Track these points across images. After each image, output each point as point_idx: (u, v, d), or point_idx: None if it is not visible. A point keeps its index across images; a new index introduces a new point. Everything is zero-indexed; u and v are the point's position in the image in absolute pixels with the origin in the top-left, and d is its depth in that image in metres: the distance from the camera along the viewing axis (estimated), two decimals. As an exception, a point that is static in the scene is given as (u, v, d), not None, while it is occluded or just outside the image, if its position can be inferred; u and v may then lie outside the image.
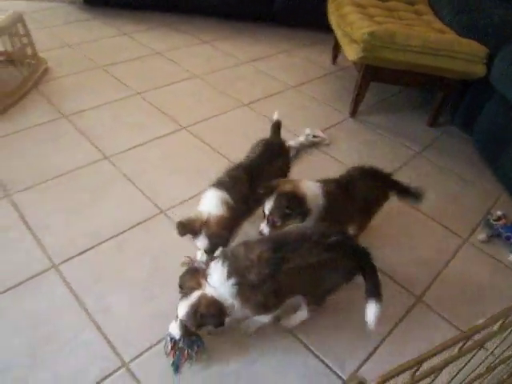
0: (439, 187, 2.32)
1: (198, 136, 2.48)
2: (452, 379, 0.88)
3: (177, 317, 1.34)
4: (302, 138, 2.43)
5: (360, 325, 1.39)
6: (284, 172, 1.92)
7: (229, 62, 3.36)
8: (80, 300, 1.58)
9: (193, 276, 1.35)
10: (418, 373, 0.69)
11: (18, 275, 1.64)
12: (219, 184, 1.66)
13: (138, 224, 1.90)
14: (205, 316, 1.29)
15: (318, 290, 1.46)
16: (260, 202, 1.67)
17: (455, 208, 2.20)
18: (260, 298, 1.31)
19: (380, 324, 1.35)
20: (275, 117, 2.02)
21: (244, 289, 1.29)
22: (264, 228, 1.59)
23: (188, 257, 1.61)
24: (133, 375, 1.38)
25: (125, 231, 1.86)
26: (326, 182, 1.67)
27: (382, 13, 2.89)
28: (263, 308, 1.38)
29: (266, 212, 1.57)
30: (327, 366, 1.47)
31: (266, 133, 2.55)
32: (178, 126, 2.55)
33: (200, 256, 1.68)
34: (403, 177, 2.30)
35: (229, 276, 1.29)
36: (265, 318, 1.46)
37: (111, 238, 1.82)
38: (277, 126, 2.02)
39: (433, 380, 0.76)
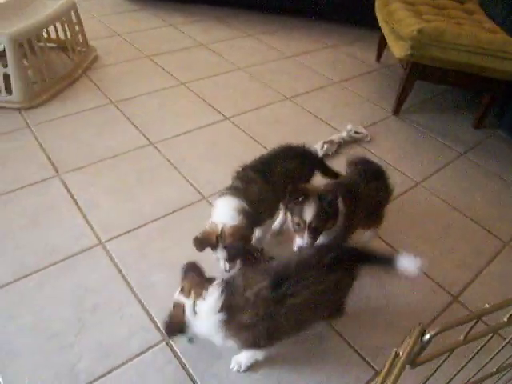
0: (482, 190, 2.30)
1: (241, 127, 2.55)
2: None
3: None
4: (343, 134, 2.46)
5: (393, 320, 1.42)
6: (303, 176, 1.79)
7: (273, 55, 3.41)
8: (124, 276, 1.67)
9: (195, 278, 1.30)
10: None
11: (68, 249, 1.75)
12: (231, 190, 1.61)
13: (181, 208, 1.98)
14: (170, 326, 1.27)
15: (331, 310, 1.45)
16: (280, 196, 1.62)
17: (497, 211, 2.18)
18: (250, 337, 1.25)
19: (412, 319, 1.38)
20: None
21: (232, 327, 1.22)
22: (305, 239, 1.44)
23: None
24: (173, 350, 1.46)
25: (168, 214, 1.95)
26: (336, 185, 1.60)
27: (431, 11, 2.88)
28: (253, 346, 1.31)
29: (307, 219, 1.43)
30: (361, 356, 1.51)
31: (307, 126, 2.61)
32: (222, 116, 2.63)
33: (223, 264, 1.61)
34: (444, 178, 2.32)
35: (220, 310, 1.21)
36: (258, 355, 1.40)
37: (155, 220, 1.92)
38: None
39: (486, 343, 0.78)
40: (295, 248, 1.46)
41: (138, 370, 1.41)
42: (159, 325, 1.52)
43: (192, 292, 1.25)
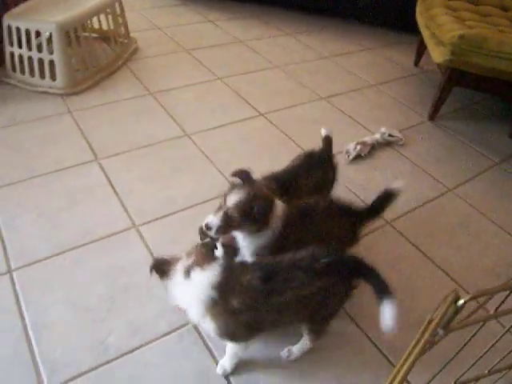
0: (516, 200, 2.29)
1: (275, 124, 2.60)
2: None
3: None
4: (377, 136, 2.48)
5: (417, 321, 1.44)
6: (324, 188, 1.75)
7: (310, 55, 3.46)
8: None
9: (203, 251, 1.29)
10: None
11: (104, 230, 1.85)
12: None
13: (213, 199, 2.05)
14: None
15: (314, 318, 1.38)
16: None
17: (531, 223, 2.17)
18: (230, 324, 1.25)
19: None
20: (324, 132, 1.82)
21: (217, 308, 1.21)
22: (214, 219, 1.33)
23: None
24: (198, 332, 1.53)
25: (199, 204, 2.02)
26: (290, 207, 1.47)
27: (474, 17, 2.87)
28: (228, 335, 1.30)
29: (229, 203, 1.33)
30: (381, 352, 1.54)
31: (341, 126, 2.64)
32: (257, 112, 2.69)
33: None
34: (477, 186, 2.31)
35: (213, 287, 1.20)
36: (238, 350, 1.38)
37: (187, 208, 1.99)
38: (327, 141, 1.83)
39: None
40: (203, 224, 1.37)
41: (164, 349, 1.48)
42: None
43: (194, 257, 1.25)
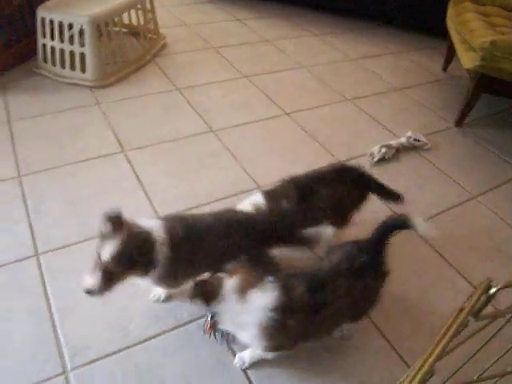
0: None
1: (300, 124, 2.64)
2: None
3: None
4: (403, 139, 2.49)
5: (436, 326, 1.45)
6: (346, 207, 1.71)
7: (336, 56, 3.48)
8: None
9: (247, 267, 1.24)
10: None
11: (128, 220, 1.91)
12: (266, 192, 1.63)
13: (234, 195, 2.09)
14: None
15: (356, 315, 1.43)
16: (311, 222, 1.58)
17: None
18: (282, 339, 1.25)
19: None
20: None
21: (276, 327, 1.19)
22: (93, 280, 1.19)
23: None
24: (218, 324, 1.57)
25: (221, 199, 2.06)
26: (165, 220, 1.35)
27: (507, 23, 2.85)
28: (276, 349, 1.31)
29: (104, 257, 1.18)
30: (397, 352, 1.56)
31: (366, 129, 2.66)
32: (282, 111, 2.73)
33: None
34: (502, 194, 2.31)
35: (273, 309, 1.17)
36: (269, 355, 1.39)
37: (209, 203, 2.04)
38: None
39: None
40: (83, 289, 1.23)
41: (183, 338, 1.52)
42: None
43: (241, 277, 1.20)
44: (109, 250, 1.16)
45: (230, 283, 1.19)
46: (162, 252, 1.24)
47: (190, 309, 1.60)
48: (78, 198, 1.99)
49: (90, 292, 1.19)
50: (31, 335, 1.48)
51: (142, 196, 2.03)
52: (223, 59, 3.24)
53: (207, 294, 1.18)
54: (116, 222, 1.20)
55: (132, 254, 1.17)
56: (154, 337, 1.52)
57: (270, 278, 1.23)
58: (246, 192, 2.11)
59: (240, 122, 2.59)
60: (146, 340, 1.51)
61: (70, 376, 1.39)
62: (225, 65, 3.17)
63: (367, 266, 1.31)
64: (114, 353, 1.46)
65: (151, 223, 1.27)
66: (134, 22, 3.23)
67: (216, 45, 3.42)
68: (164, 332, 1.53)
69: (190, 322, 1.57)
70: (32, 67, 2.83)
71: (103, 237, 1.20)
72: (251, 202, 1.60)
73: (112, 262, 1.16)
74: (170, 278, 1.35)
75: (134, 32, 3.31)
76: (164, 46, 3.31)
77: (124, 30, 3.24)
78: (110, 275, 1.19)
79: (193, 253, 1.35)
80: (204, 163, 2.26)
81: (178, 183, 2.12)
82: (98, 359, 1.44)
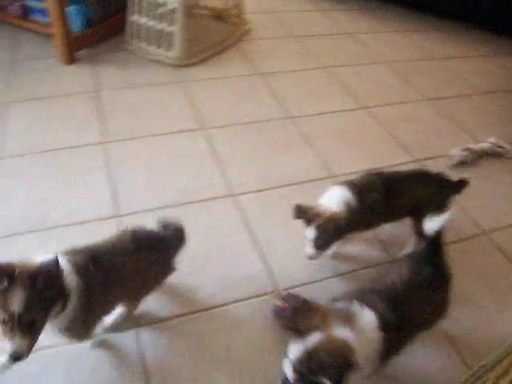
0: None
1: (378, 119, 2.64)
2: None
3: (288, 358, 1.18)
4: (485, 145, 2.44)
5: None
6: (424, 208, 1.64)
7: (419, 54, 3.43)
8: (250, 227, 1.89)
9: (311, 312, 1.17)
10: None
11: (204, 193, 2.02)
12: (350, 184, 1.65)
13: (308, 182, 2.14)
14: (324, 366, 1.07)
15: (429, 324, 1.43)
16: (392, 218, 1.71)
17: None
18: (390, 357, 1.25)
19: None
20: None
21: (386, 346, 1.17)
22: (15, 344, 1.03)
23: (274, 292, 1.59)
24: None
25: (295, 184, 2.12)
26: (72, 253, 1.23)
27: None
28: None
29: (15, 310, 1.01)
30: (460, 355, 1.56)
31: (445, 131, 2.62)
32: (360, 105, 2.74)
33: (307, 249, 1.63)
34: None
35: (380, 328, 1.16)
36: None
37: (283, 186, 2.11)
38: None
39: None
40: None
41: (245, 311, 1.60)
42: (273, 275, 1.72)
43: (324, 320, 1.14)
44: (18, 299, 1.01)
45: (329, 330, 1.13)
46: (71, 281, 1.13)
47: (253, 284, 1.68)
48: (157, 168, 2.13)
49: (18, 358, 1.04)
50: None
51: (218, 172, 2.13)
52: (304, 48, 3.28)
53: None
54: (6, 271, 1.03)
55: (43, 291, 1.04)
56: (222, 305, 1.61)
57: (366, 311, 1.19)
58: (318, 180, 2.16)
59: (316, 111, 2.63)
60: (214, 307, 1.60)
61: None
62: (305, 54, 3.21)
63: (434, 276, 1.34)
64: (184, 315, 1.57)
65: (49, 257, 1.09)
66: (220, 5, 3.34)
67: (297, 34, 3.47)
68: (230, 302, 1.62)
69: (253, 297, 1.65)
70: (120, 42, 3.01)
71: (2, 292, 1.02)
72: (336, 197, 1.61)
73: (27, 309, 1.01)
74: (84, 316, 1.20)
75: (219, 16, 3.42)
76: (247, 31, 3.39)
77: (209, 13, 3.37)
78: (32, 324, 1.04)
79: (106, 280, 1.24)
80: (279, 147, 2.33)
81: (252, 163, 2.21)
82: (170, 318, 1.56)
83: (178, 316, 1.57)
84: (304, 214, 1.57)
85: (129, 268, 1.29)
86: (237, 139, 2.35)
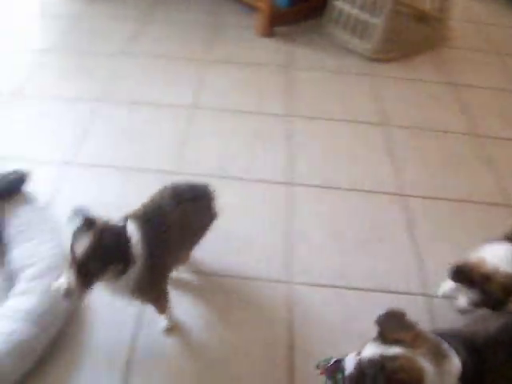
0: None
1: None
2: None
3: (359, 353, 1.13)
4: None
5: None
6: None
7: None
8: (411, 229, 1.92)
9: (403, 327, 1.12)
10: None
11: (369, 185, 2.10)
12: None
13: (481, 203, 2.07)
14: (392, 380, 1.03)
15: None
16: None
17: None
18: None
19: None
20: None
21: None
22: (70, 281, 1.12)
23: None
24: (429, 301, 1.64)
25: (466, 201, 2.08)
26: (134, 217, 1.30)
27: None
28: None
29: (78, 253, 1.12)
30: None
31: None
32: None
33: (461, 302, 1.45)
34: None
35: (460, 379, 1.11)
36: None
37: (453, 200, 2.07)
38: None
39: None
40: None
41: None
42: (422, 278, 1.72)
43: (414, 338, 1.09)
44: (82, 244, 1.12)
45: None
46: (136, 248, 1.21)
47: (401, 281, 1.71)
48: (332, 151, 2.26)
49: (68, 293, 1.13)
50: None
51: (390, 168, 2.19)
52: (506, 67, 3.10)
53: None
54: (87, 218, 1.16)
55: (107, 249, 1.14)
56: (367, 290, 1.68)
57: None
58: (493, 205, 2.07)
59: (510, 136, 2.49)
60: (359, 289, 1.67)
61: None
62: (507, 74, 3.04)
63: None
64: (332, 287, 1.66)
65: (123, 220, 1.22)
66: (425, 6, 3.31)
67: (503, 51, 3.27)
68: (376, 290, 1.68)
69: (398, 293, 1.67)
70: (316, 25, 3.17)
71: (75, 234, 1.15)
72: (506, 254, 1.41)
73: (86, 254, 1.12)
74: (147, 279, 1.28)
75: (420, 16, 3.38)
76: (446, 37, 3.30)
77: (411, 11, 3.36)
78: (87, 271, 1.13)
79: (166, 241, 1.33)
80: (454, 162, 2.28)
81: (427, 170, 2.21)
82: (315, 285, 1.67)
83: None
84: (465, 276, 1.40)
85: (182, 222, 1.37)
86: (416, 143, 2.37)
